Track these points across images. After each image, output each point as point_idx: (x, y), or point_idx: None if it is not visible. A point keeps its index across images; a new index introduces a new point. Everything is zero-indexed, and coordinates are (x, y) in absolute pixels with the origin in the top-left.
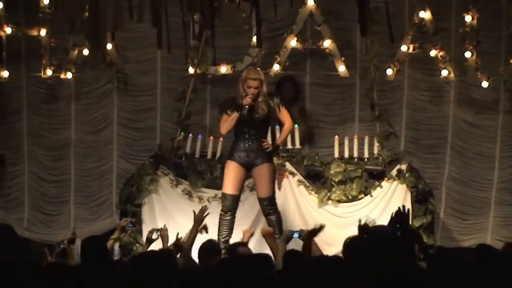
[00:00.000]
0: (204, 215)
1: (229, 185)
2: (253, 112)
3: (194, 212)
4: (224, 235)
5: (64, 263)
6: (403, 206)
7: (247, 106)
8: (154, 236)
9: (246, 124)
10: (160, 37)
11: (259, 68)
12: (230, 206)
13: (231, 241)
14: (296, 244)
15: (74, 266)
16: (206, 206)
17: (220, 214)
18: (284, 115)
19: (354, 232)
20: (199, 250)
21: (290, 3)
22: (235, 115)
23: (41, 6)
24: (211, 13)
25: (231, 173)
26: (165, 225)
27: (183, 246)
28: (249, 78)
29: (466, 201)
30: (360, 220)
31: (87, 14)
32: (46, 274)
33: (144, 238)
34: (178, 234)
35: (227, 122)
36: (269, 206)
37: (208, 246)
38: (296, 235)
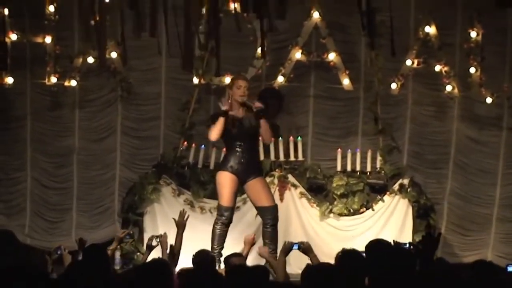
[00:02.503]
0: (185, 218)
1: (228, 198)
2: (243, 125)
3: (174, 219)
4: (221, 246)
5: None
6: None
7: (248, 103)
8: (154, 243)
9: (238, 138)
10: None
11: None
12: (230, 219)
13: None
14: (295, 256)
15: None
16: (184, 210)
17: (218, 226)
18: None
19: (355, 245)
20: (193, 259)
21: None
22: (221, 119)
23: (47, 13)
24: (216, 23)
25: (228, 184)
26: (165, 232)
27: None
28: (238, 79)
29: (468, 217)
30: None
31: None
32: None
33: (145, 247)
34: (171, 246)
35: (215, 127)
36: (271, 216)
37: (202, 256)
38: (295, 247)
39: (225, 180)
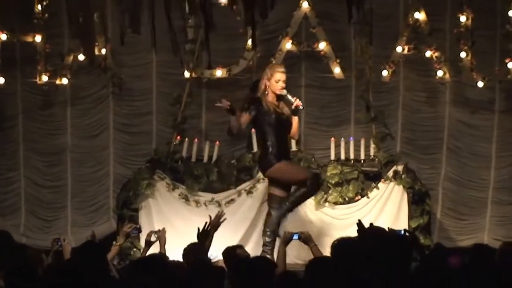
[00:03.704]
0: (221, 220)
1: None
2: (282, 116)
3: (210, 217)
4: None
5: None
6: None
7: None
8: (153, 238)
9: (279, 127)
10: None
11: None
12: None
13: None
14: (293, 246)
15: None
16: (223, 211)
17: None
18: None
19: (350, 233)
20: (184, 253)
21: None
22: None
23: (36, 12)
24: (209, 15)
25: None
26: (163, 227)
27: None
28: (278, 71)
29: (463, 201)
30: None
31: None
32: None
33: (141, 243)
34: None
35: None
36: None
37: (193, 248)
38: (295, 237)
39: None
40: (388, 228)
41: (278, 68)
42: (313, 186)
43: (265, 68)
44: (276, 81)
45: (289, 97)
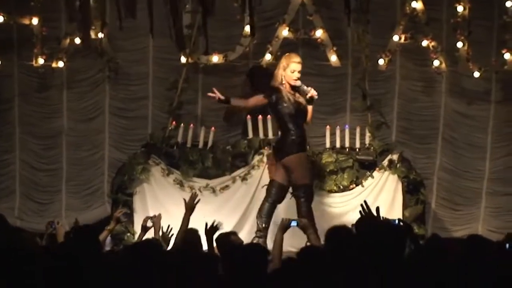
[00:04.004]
0: (195, 202)
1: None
2: (300, 105)
3: (185, 200)
4: None
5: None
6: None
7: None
8: (149, 224)
9: (298, 117)
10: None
11: None
12: None
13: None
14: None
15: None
16: (195, 193)
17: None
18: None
19: (345, 222)
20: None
21: None
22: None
23: None
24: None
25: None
26: (159, 213)
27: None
28: (293, 61)
29: (458, 192)
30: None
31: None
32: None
33: (135, 228)
34: (168, 226)
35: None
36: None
37: (190, 236)
38: (294, 223)
39: (304, 160)
40: (382, 217)
41: (294, 59)
42: (306, 196)
43: (280, 58)
44: (291, 71)
45: (304, 87)
